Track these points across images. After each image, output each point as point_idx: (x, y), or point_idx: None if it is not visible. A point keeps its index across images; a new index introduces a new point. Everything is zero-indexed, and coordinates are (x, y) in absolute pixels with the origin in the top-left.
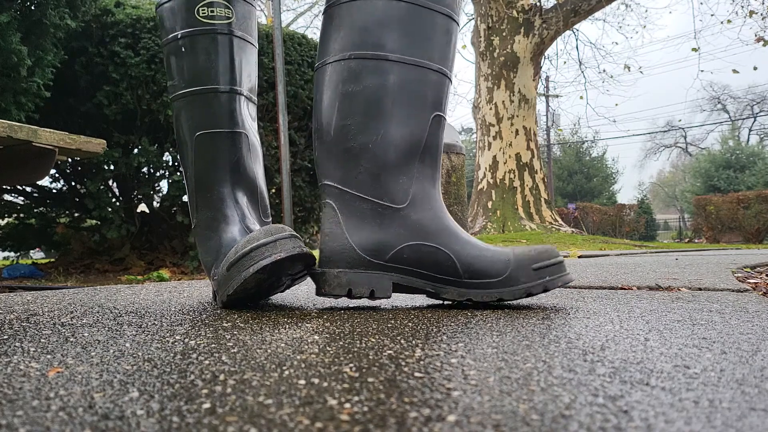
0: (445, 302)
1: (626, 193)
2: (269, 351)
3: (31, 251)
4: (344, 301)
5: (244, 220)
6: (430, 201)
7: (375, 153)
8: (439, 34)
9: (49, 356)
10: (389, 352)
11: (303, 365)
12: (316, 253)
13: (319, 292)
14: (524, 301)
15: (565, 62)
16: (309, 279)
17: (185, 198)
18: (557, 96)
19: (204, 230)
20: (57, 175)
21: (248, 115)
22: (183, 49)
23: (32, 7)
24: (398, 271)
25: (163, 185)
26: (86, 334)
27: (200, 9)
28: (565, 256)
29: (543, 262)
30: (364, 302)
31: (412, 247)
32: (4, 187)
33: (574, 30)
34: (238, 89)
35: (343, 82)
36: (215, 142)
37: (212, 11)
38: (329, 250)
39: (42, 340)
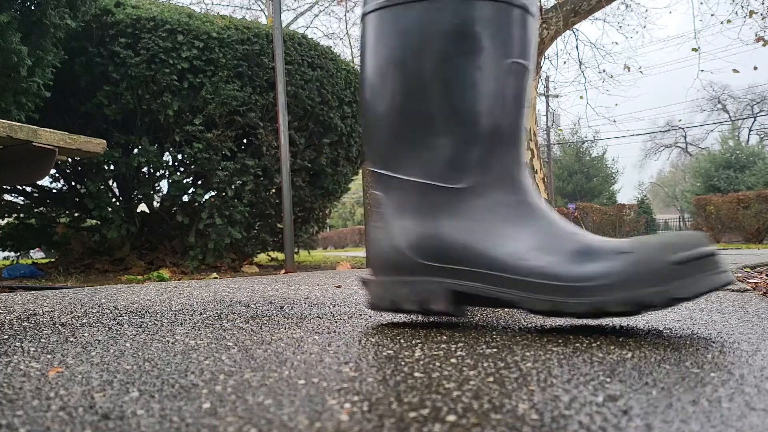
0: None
1: (626, 193)
2: (269, 351)
3: (31, 251)
4: (343, 301)
5: None
6: None
7: None
8: None
9: (49, 356)
10: (389, 351)
11: (303, 365)
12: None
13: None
14: None
15: (565, 62)
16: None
17: (185, 198)
18: (557, 96)
19: None
20: (57, 175)
21: None
22: None
23: (32, 7)
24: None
25: (163, 185)
26: (86, 334)
27: None
28: None
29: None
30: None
31: None
32: (4, 187)
33: (574, 30)
34: None
35: None
36: None
37: None
38: None
39: (42, 340)
